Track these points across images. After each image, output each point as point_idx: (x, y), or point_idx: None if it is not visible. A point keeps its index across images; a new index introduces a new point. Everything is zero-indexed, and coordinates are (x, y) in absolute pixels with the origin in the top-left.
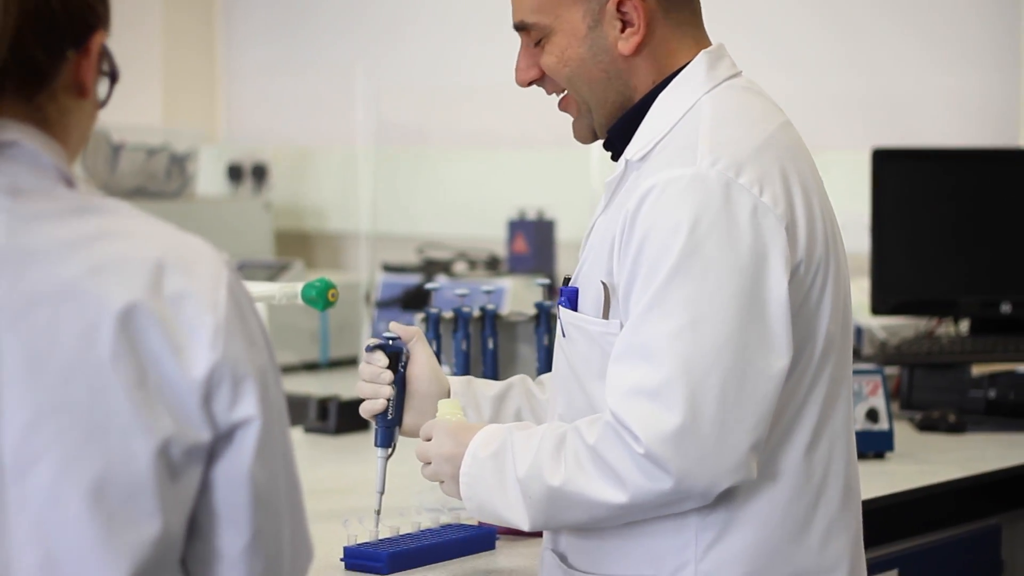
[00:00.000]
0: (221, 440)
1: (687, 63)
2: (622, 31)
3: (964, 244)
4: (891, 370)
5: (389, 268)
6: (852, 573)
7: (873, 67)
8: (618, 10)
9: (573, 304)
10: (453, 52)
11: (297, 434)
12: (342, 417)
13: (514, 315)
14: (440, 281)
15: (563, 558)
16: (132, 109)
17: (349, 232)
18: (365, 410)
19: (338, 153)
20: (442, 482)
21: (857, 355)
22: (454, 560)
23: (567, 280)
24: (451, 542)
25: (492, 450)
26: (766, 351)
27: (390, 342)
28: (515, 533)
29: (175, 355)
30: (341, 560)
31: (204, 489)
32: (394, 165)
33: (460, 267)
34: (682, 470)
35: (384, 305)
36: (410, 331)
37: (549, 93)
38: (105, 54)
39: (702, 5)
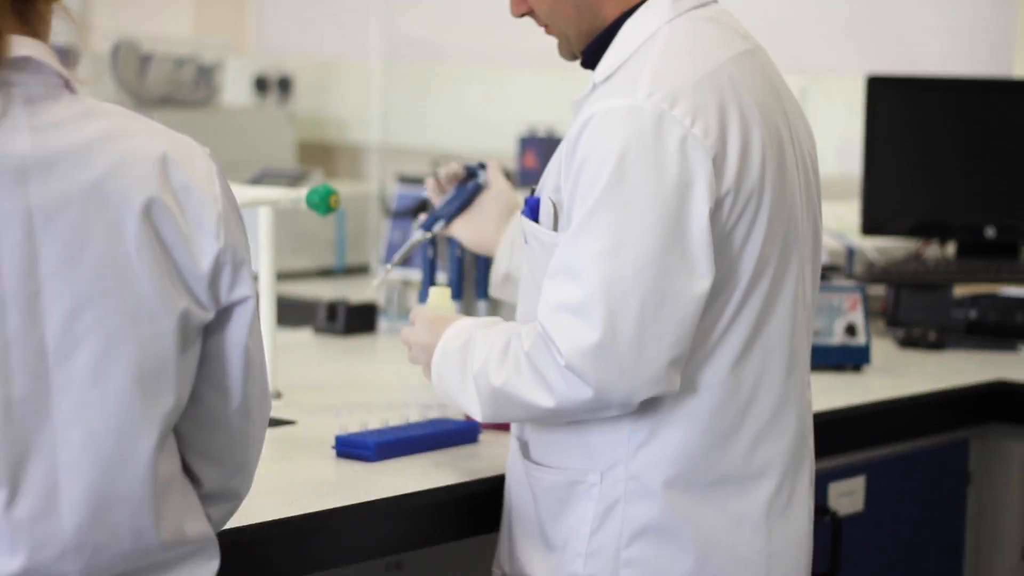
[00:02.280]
0: (221, 316)
1: None
2: None
3: (954, 170)
4: (879, 289)
5: (404, 179)
6: (783, 479)
7: None
8: None
9: (535, 215)
10: None
11: (307, 335)
12: (350, 319)
13: None
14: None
15: (523, 446)
16: (163, 19)
17: (368, 144)
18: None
19: (360, 68)
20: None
21: (847, 274)
22: (438, 450)
23: (532, 191)
24: (436, 434)
25: (458, 344)
26: (686, 274)
27: (477, 167)
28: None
29: (186, 243)
30: (332, 448)
31: (204, 360)
32: (411, 80)
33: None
34: (600, 382)
35: (398, 215)
36: (494, 164)
37: (539, 25)
38: None
39: None
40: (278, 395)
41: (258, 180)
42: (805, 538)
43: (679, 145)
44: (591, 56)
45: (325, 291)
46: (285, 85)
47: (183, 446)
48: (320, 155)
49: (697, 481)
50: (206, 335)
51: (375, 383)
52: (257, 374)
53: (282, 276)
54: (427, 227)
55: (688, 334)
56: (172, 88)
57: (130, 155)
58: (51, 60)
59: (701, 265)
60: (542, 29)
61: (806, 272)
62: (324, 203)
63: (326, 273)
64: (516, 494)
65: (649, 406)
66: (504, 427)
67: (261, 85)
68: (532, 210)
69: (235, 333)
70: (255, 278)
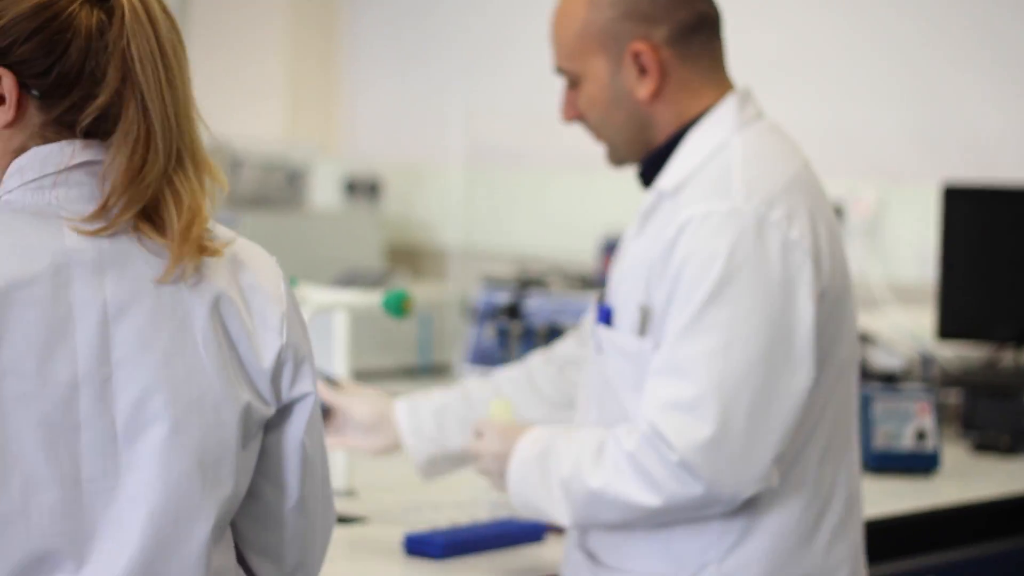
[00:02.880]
0: (281, 413)
1: (712, 104)
2: (640, 77)
3: None
4: (955, 395)
5: (489, 281)
6: (853, 575)
7: (945, 99)
8: (634, 58)
9: (608, 321)
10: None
11: None
12: None
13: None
14: (532, 295)
15: (591, 555)
16: (255, 122)
17: (454, 246)
18: None
19: (444, 171)
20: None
21: (922, 378)
22: (503, 550)
23: (601, 298)
24: (501, 533)
25: (537, 451)
26: (792, 371)
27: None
28: (560, 529)
29: (250, 340)
30: (402, 545)
31: (263, 456)
32: (494, 184)
33: (554, 282)
34: (712, 477)
35: (482, 315)
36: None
37: (588, 131)
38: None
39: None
40: (351, 492)
41: (344, 281)
42: None
43: (781, 247)
44: (649, 170)
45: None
46: (374, 188)
47: (241, 541)
48: (407, 257)
49: None
50: (266, 431)
51: (448, 482)
52: (317, 473)
53: (365, 375)
54: None
55: (792, 431)
56: (263, 190)
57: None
58: None
59: (806, 363)
60: (591, 134)
61: (855, 373)
62: (399, 307)
63: (409, 373)
64: None
65: (740, 506)
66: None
67: (350, 187)
68: (606, 318)
69: (294, 429)
70: (325, 379)
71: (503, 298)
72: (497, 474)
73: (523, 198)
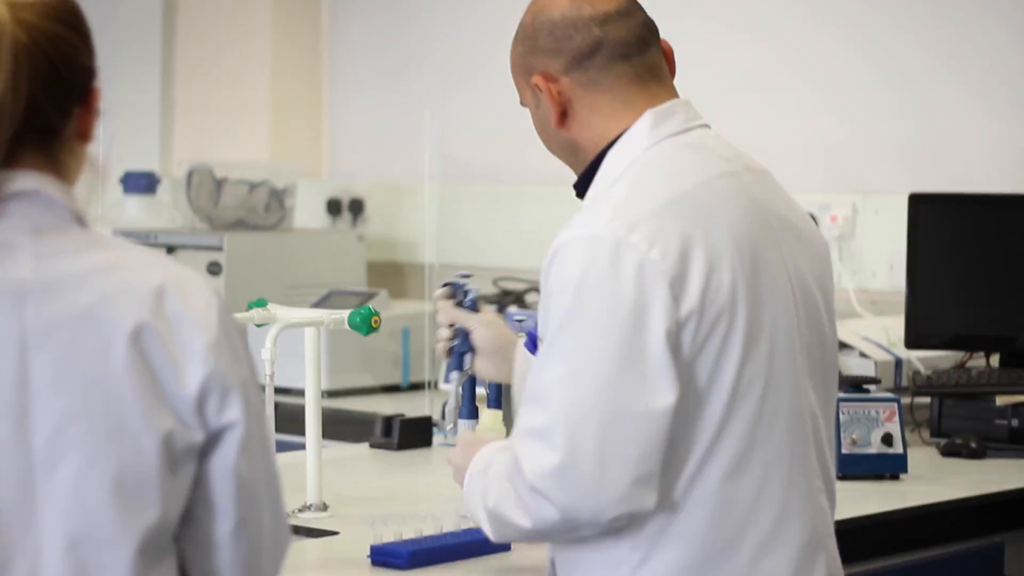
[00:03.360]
0: (211, 440)
1: (629, 124)
2: (549, 107)
3: (994, 283)
4: (925, 400)
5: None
6: None
7: (921, 112)
8: (539, 91)
9: (535, 347)
10: None
11: (363, 449)
12: (404, 434)
13: None
14: (513, 311)
15: (551, 564)
16: (240, 146)
17: (435, 264)
18: (440, 351)
19: (424, 190)
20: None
21: (896, 385)
22: (471, 559)
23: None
24: (468, 542)
25: (481, 467)
26: (645, 393)
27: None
28: None
29: (174, 368)
30: (367, 556)
31: (197, 482)
32: (471, 201)
33: (532, 297)
34: (564, 503)
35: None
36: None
37: None
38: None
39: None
40: (324, 507)
41: (325, 301)
42: None
43: (635, 270)
44: (581, 185)
45: (386, 406)
46: (356, 207)
47: (185, 564)
48: (390, 275)
49: None
50: (200, 458)
51: (419, 495)
52: (257, 497)
53: (348, 392)
54: (459, 367)
55: (654, 451)
56: (245, 212)
57: (125, 284)
58: (61, 194)
59: (660, 383)
60: None
61: (807, 383)
62: (366, 324)
63: (392, 390)
64: None
65: (643, 525)
66: None
67: (333, 208)
68: (533, 342)
69: (224, 456)
70: (250, 404)
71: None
72: (461, 486)
73: (500, 215)
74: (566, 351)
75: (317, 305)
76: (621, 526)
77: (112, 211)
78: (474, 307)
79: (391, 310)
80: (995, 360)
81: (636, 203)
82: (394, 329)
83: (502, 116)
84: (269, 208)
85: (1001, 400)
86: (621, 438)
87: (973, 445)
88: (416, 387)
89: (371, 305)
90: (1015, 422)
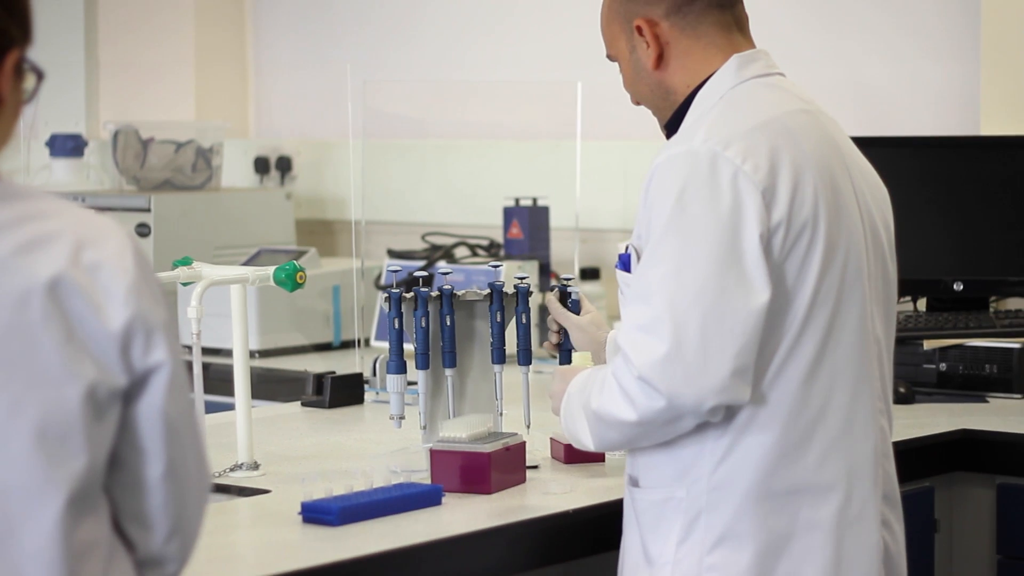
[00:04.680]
0: (137, 383)
1: (716, 68)
2: (646, 50)
3: (921, 227)
4: None
5: (394, 254)
6: (848, 493)
7: (848, 58)
8: (639, 34)
9: (626, 266)
10: (457, 49)
11: (294, 407)
12: (335, 391)
13: (470, 294)
14: (442, 266)
15: (632, 480)
16: (166, 107)
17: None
18: (548, 349)
19: (350, 147)
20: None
21: None
22: (401, 514)
23: (627, 248)
24: (398, 498)
25: (579, 385)
26: (743, 291)
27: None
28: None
29: (96, 314)
30: (299, 513)
31: (124, 426)
32: (398, 156)
33: (461, 252)
34: (671, 390)
35: (388, 288)
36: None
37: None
38: (21, 65)
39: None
40: (256, 466)
41: (254, 260)
42: (875, 548)
43: (731, 179)
44: (671, 126)
45: (317, 365)
46: (283, 165)
47: (115, 511)
48: (319, 233)
49: (771, 491)
50: (126, 402)
51: (350, 452)
52: (184, 440)
53: (279, 352)
54: (568, 362)
55: (749, 346)
56: (172, 172)
57: (41, 235)
58: None
59: (756, 282)
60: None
61: (874, 310)
62: (291, 280)
63: (324, 348)
64: (627, 526)
65: (726, 420)
66: (479, 487)
67: (261, 166)
68: (624, 263)
69: (152, 398)
70: (174, 345)
71: (411, 269)
72: (556, 411)
73: (428, 170)
74: (668, 253)
75: (247, 264)
76: (716, 419)
77: (39, 174)
78: (576, 309)
79: (320, 268)
80: (922, 304)
81: (728, 124)
82: (324, 287)
83: (428, 70)
84: (196, 168)
85: (929, 344)
86: (721, 331)
87: (902, 390)
88: (347, 345)
89: (299, 263)
90: (943, 366)
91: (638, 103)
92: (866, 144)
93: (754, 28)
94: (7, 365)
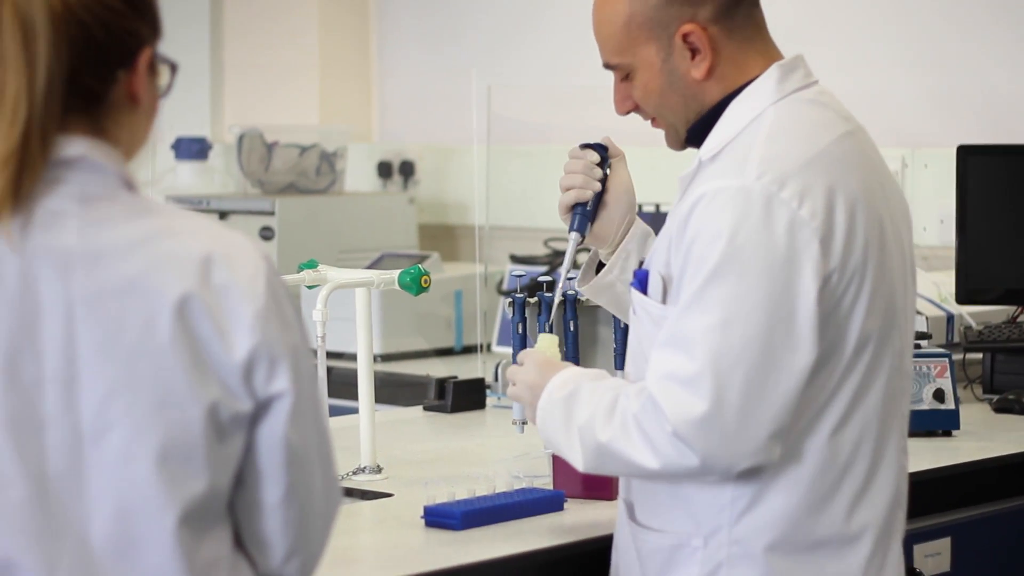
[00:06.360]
0: (260, 409)
1: (758, 75)
2: (692, 59)
3: None
4: (978, 356)
5: (516, 259)
6: (878, 542)
7: (968, 63)
8: (685, 41)
9: (643, 287)
10: (579, 53)
11: (416, 412)
12: (457, 396)
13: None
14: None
15: (629, 507)
16: (290, 110)
17: (485, 226)
18: (572, 198)
19: (474, 151)
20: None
21: (947, 341)
22: (523, 519)
23: (641, 263)
24: (520, 503)
25: (566, 393)
26: (791, 350)
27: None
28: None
29: (221, 338)
30: (421, 517)
31: (248, 450)
32: (520, 162)
33: (583, 258)
34: (706, 452)
35: (511, 293)
36: (616, 148)
37: (645, 119)
38: (155, 62)
39: (780, 14)
40: (379, 469)
41: (377, 264)
42: None
43: (787, 227)
44: (696, 134)
45: (439, 369)
46: (407, 170)
47: (237, 528)
48: (441, 237)
49: (797, 545)
50: (250, 426)
51: (472, 457)
52: (308, 466)
53: (401, 356)
54: (581, 229)
55: (790, 407)
56: (296, 175)
57: (172, 253)
58: (109, 160)
59: (806, 342)
60: (649, 122)
61: (906, 344)
62: (416, 284)
63: (446, 353)
64: (623, 556)
65: (752, 473)
66: (601, 493)
67: (384, 170)
68: (641, 283)
69: (274, 425)
70: (300, 372)
71: (532, 274)
72: (528, 403)
73: (550, 175)
74: (716, 303)
75: (370, 268)
76: (740, 475)
77: (164, 177)
78: (605, 179)
79: (443, 272)
80: None
81: (781, 158)
82: (446, 292)
83: (551, 75)
84: (320, 172)
85: None
86: (765, 393)
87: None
88: (469, 350)
89: (422, 266)
90: None
91: (651, 118)
92: (987, 152)
93: (881, 32)
94: (134, 387)
